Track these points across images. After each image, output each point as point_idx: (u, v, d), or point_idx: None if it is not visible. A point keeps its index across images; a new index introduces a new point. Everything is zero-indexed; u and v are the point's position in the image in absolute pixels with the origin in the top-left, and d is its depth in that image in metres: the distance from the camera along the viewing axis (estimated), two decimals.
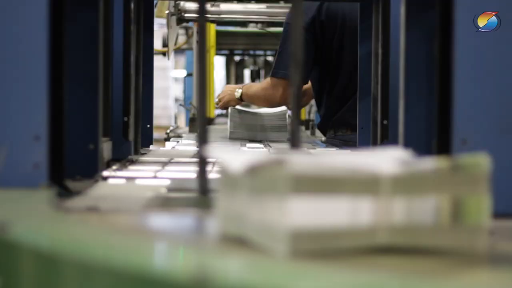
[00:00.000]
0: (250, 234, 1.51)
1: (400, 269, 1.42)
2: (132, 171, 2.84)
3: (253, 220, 1.49)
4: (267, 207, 1.45)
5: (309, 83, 4.72)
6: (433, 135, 2.33)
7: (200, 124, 2.26)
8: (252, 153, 2.64)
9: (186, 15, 6.03)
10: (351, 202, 1.45)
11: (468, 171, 1.52)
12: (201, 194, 2.24)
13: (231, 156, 1.58)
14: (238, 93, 4.83)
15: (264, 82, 4.97)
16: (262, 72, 8.82)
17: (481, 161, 1.52)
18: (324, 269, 1.36)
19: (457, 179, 1.51)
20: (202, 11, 2.23)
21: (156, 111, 4.13)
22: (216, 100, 5.11)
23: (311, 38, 4.40)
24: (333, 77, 4.52)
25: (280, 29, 7.31)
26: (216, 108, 5.71)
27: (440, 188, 1.50)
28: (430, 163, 1.52)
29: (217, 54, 7.98)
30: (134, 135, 3.44)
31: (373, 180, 1.47)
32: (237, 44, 8.02)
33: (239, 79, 8.82)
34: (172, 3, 5.52)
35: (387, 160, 1.53)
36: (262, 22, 6.75)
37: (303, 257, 1.40)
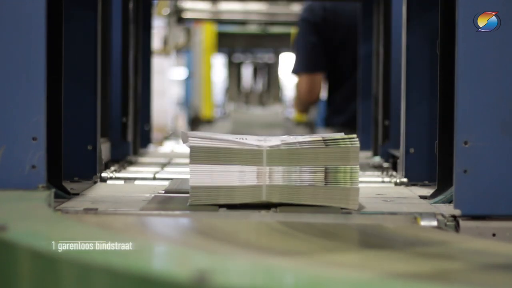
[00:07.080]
0: None
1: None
2: (131, 172, 2.83)
3: None
4: None
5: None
6: (435, 136, 2.31)
7: (197, 124, 2.24)
8: None
9: (186, 16, 6.04)
10: (239, 168, 2.00)
11: (339, 145, 1.98)
12: None
13: None
14: None
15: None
16: (262, 72, 8.83)
17: (351, 136, 1.99)
18: (323, 270, 1.35)
19: (329, 151, 1.98)
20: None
21: (155, 111, 4.09)
22: None
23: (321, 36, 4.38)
24: (338, 77, 4.52)
25: (280, 29, 7.33)
26: None
27: (315, 158, 1.98)
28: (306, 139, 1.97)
29: (218, 51, 8.00)
30: (132, 136, 3.42)
31: (256, 152, 1.99)
32: (237, 44, 8.03)
33: (240, 79, 8.83)
34: (172, 2, 5.52)
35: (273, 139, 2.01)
36: (264, 23, 6.75)
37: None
